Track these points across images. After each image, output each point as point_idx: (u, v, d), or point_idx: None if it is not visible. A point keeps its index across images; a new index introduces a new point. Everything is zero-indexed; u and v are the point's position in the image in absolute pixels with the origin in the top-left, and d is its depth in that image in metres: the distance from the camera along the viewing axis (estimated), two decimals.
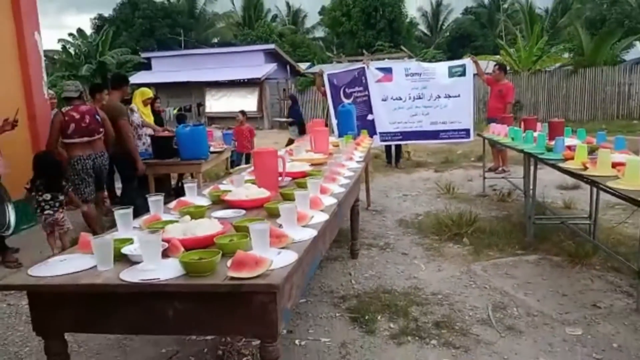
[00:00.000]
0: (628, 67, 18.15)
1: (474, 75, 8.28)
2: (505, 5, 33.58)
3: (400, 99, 8.28)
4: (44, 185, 4.30)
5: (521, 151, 4.75)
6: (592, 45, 18.92)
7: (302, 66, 24.61)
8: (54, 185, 4.34)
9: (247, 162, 8.01)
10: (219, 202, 2.75)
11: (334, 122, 7.45)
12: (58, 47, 28.09)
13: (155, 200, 2.50)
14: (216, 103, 21.53)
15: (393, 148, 8.99)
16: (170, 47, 29.38)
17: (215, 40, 36.55)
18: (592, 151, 3.72)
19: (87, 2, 56.67)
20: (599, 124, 14.71)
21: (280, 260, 1.81)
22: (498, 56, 20.06)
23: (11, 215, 4.40)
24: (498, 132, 5.94)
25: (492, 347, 2.77)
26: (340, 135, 5.61)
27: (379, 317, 3.12)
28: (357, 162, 4.14)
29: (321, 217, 2.40)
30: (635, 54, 22.10)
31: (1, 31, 5.50)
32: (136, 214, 2.37)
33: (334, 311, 3.27)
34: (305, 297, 3.44)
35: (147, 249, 1.78)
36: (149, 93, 6.19)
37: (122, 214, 2.21)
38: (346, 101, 7.97)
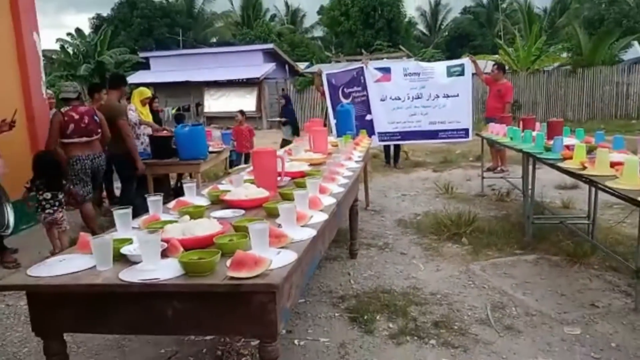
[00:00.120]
0: (626, 67, 18.17)
1: (473, 74, 8.28)
2: (504, 5, 33.59)
3: (399, 98, 8.28)
4: (44, 185, 4.33)
5: (520, 151, 4.76)
6: (591, 45, 18.93)
7: (301, 66, 24.61)
8: (54, 185, 4.37)
9: (246, 162, 8.00)
10: (218, 202, 2.76)
11: (333, 122, 7.45)
12: (56, 46, 28.07)
13: (154, 200, 2.50)
14: (215, 103, 21.51)
15: (392, 148, 8.99)
16: (169, 46, 29.38)
17: (214, 39, 36.53)
18: (590, 151, 3.73)
19: (86, 1, 56.63)
20: (598, 124, 14.73)
21: (280, 260, 1.82)
22: (497, 56, 20.07)
23: (10, 215, 4.41)
24: (497, 131, 5.95)
25: (491, 346, 2.78)
26: (338, 135, 5.61)
27: (377, 317, 3.12)
28: (356, 162, 4.15)
29: (320, 217, 2.40)
30: (634, 53, 22.06)
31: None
32: (135, 214, 2.37)
33: (333, 311, 3.27)
34: (304, 297, 3.44)
35: (146, 249, 1.79)
36: (147, 93, 6.19)
37: (121, 214, 2.21)
38: (345, 101, 7.97)
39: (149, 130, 5.90)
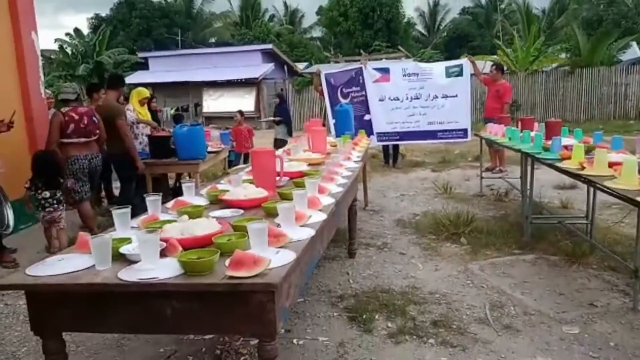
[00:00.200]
0: (625, 67, 18.21)
1: (471, 75, 8.29)
2: (503, 6, 33.64)
3: (398, 99, 8.29)
4: (43, 184, 4.39)
5: (518, 151, 4.77)
6: (589, 46, 18.97)
7: (300, 66, 24.61)
8: (53, 184, 4.42)
9: (245, 162, 8.00)
10: (217, 201, 2.76)
11: (331, 122, 7.46)
12: (55, 47, 28.03)
13: (153, 200, 2.50)
14: (213, 103, 21.50)
15: (391, 148, 9.00)
16: (168, 47, 29.36)
17: (213, 40, 36.52)
18: (588, 151, 3.74)
19: (84, 2, 56.54)
20: (596, 124, 14.74)
21: (279, 259, 1.82)
22: (495, 56, 20.10)
23: (9, 215, 4.43)
24: (495, 132, 5.96)
25: (490, 345, 2.78)
26: (337, 135, 5.62)
27: (376, 317, 3.13)
28: (355, 162, 4.15)
29: (319, 217, 2.40)
30: (632, 54, 22.12)
31: None
32: (134, 214, 2.38)
33: (332, 310, 3.27)
34: (303, 297, 3.44)
35: (145, 248, 1.79)
36: (145, 93, 6.19)
37: (120, 214, 2.22)
38: (343, 101, 7.97)
39: (147, 130, 5.90)
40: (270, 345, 1.76)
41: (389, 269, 3.98)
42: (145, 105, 6.28)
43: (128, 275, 1.74)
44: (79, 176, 4.86)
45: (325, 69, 9.21)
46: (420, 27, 39.97)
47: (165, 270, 1.75)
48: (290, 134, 9.01)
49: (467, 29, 37.30)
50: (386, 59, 18.81)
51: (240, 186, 2.89)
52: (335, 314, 3.22)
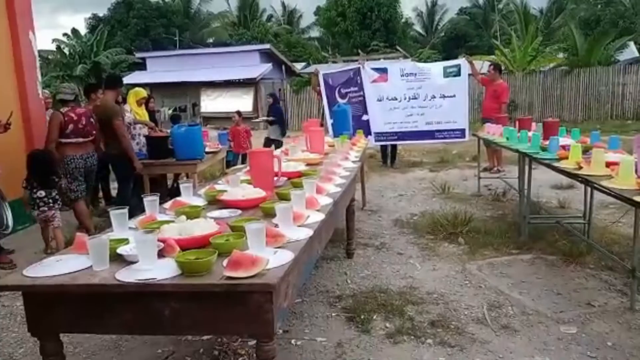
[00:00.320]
0: (622, 67, 18.25)
1: (469, 75, 8.30)
2: (500, 6, 33.70)
3: (396, 99, 8.31)
4: (38, 182, 4.45)
5: (516, 151, 4.77)
6: (587, 46, 19.01)
7: (298, 66, 24.61)
8: (47, 182, 4.47)
9: (243, 162, 8.00)
10: (215, 202, 2.76)
11: (329, 122, 7.46)
12: (52, 47, 28.00)
13: (150, 201, 2.50)
14: (211, 103, 21.49)
15: (389, 148, 9.00)
16: (165, 47, 29.33)
17: (211, 40, 36.48)
18: (586, 151, 3.75)
19: (82, 2, 56.40)
20: (594, 124, 14.78)
21: (276, 259, 1.82)
22: (493, 56, 20.14)
23: (8, 215, 4.44)
24: (493, 132, 5.96)
25: (487, 345, 2.78)
26: (335, 135, 5.62)
27: (374, 317, 3.13)
28: (353, 162, 4.16)
29: (317, 217, 2.40)
30: (629, 54, 22.18)
31: None
32: (132, 215, 2.37)
33: (330, 311, 3.27)
34: (301, 297, 3.44)
35: (143, 249, 1.79)
36: (143, 93, 6.18)
37: (117, 214, 2.21)
38: (341, 101, 7.98)
39: (144, 131, 5.89)
40: (268, 346, 1.76)
41: (387, 269, 3.98)
42: (143, 106, 6.27)
43: (126, 275, 1.74)
44: (75, 175, 4.93)
45: (323, 69, 9.21)
46: (418, 27, 40.03)
47: (163, 270, 1.75)
48: (283, 134, 8.95)
49: (464, 29, 37.35)
50: (384, 59, 18.82)
51: (238, 186, 2.89)
52: (333, 315, 3.22)
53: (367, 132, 7.80)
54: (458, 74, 8.12)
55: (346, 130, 5.69)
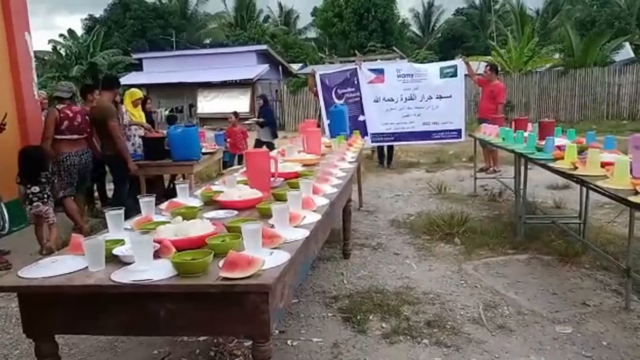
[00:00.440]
0: (617, 68, 18.33)
1: (466, 76, 8.32)
2: (497, 7, 33.77)
3: (392, 100, 8.33)
4: (27, 178, 4.48)
5: (512, 151, 4.79)
6: (582, 46, 19.08)
7: (295, 67, 24.63)
8: (36, 178, 4.49)
9: (240, 163, 7.99)
10: (211, 202, 2.75)
11: (326, 122, 7.47)
12: (48, 47, 27.93)
13: (146, 201, 2.50)
14: (208, 104, 21.48)
15: (385, 149, 9.01)
16: (162, 47, 29.29)
17: (207, 41, 36.46)
18: (581, 151, 3.76)
19: (78, 2, 56.30)
20: (589, 124, 14.83)
21: (273, 260, 1.82)
22: (489, 57, 20.19)
23: (5, 215, 4.44)
24: (489, 132, 5.98)
25: (483, 345, 2.79)
26: (332, 136, 5.62)
27: (370, 317, 3.13)
28: (349, 162, 4.16)
29: (313, 218, 2.41)
30: (625, 55, 22.26)
31: None
32: (128, 215, 2.37)
33: (326, 311, 3.28)
34: (297, 298, 3.44)
35: (138, 249, 1.78)
36: (138, 94, 6.18)
37: (113, 215, 2.21)
38: (338, 102, 7.99)
39: (140, 132, 5.88)
40: (264, 347, 1.76)
41: (384, 270, 3.99)
42: (139, 107, 6.26)
43: (121, 276, 1.74)
44: (70, 171, 5.05)
45: (320, 70, 9.21)
46: (414, 28, 40.10)
47: (159, 271, 1.75)
48: (275, 135, 8.91)
49: (461, 29, 37.44)
50: (381, 59, 18.82)
51: (234, 187, 2.89)
52: (329, 315, 3.22)
53: (364, 133, 7.81)
54: (454, 74, 8.15)
55: (343, 130, 5.70)
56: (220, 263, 1.75)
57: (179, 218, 2.27)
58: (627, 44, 22.54)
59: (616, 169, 3.02)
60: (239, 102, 20.27)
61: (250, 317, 1.71)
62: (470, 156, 8.11)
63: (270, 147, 7.47)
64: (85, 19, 35.43)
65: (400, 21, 33.82)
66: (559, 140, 4.42)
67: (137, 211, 2.51)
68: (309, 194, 2.70)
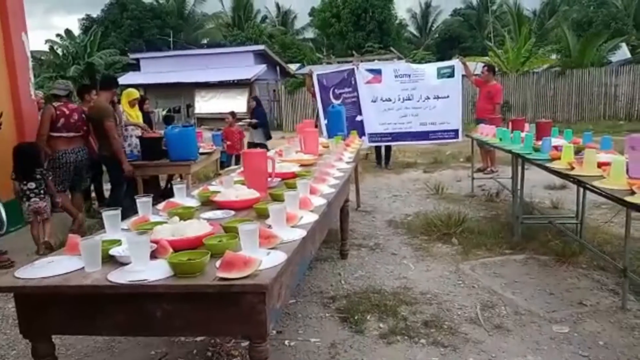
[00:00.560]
0: (614, 68, 18.39)
1: (463, 76, 8.34)
2: (494, 7, 33.85)
3: (390, 100, 8.33)
4: (22, 174, 4.51)
5: (509, 152, 4.80)
6: (579, 47, 19.14)
7: (292, 67, 24.62)
8: (30, 174, 4.51)
9: (237, 163, 7.98)
10: (208, 203, 2.75)
11: (323, 122, 7.48)
12: (45, 47, 27.86)
13: (143, 202, 2.49)
14: (205, 104, 21.47)
15: (383, 149, 9.02)
16: (159, 48, 29.26)
17: (205, 41, 36.43)
18: (578, 151, 3.77)
19: (75, 2, 56.21)
20: (586, 125, 14.87)
21: (270, 260, 1.82)
22: (486, 57, 20.24)
23: (3, 215, 4.44)
24: (486, 132, 5.99)
25: (481, 345, 2.79)
26: (329, 136, 5.62)
27: (368, 317, 3.13)
28: (347, 162, 4.16)
29: (310, 218, 2.40)
30: (622, 55, 22.36)
31: None
32: (125, 216, 2.37)
33: (324, 311, 3.27)
34: (295, 298, 3.44)
35: (135, 250, 1.78)
36: (135, 94, 6.16)
37: (110, 216, 2.21)
38: (335, 102, 7.99)
39: (137, 132, 5.87)
40: (261, 347, 1.76)
41: (381, 270, 3.99)
42: (136, 107, 6.25)
43: (118, 277, 1.73)
44: (66, 168, 5.08)
45: (317, 70, 9.21)
46: (412, 29, 40.16)
47: (156, 272, 1.74)
48: (268, 137, 8.88)
49: (458, 30, 37.49)
50: (378, 60, 18.82)
51: (231, 187, 2.89)
52: (327, 315, 3.22)
53: (361, 133, 7.81)
54: (452, 75, 8.16)
55: (340, 131, 5.70)
56: (217, 263, 1.74)
57: (176, 218, 2.27)
58: (623, 45, 22.63)
59: (613, 169, 3.03)
60: (237, 103, 20.25)
61: (247, 317, 1.71)
62: (468, 156, 8.13)
63: (263, 149, 7.45)
64: (83, 19, 35.38)
65: (397, 22, 33.86)
66: (556, 141, 4.43)
67: (134, 211, 2.51)
68: (306, 194, 2.70)
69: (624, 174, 2.97)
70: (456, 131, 8.27)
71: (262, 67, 21.56)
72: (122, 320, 1.79)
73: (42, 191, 4.57)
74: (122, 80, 20.06)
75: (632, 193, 2.73)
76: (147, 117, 7.20)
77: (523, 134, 4.91)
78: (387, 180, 7.89)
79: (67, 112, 5.07)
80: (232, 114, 8.80)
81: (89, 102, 5.79)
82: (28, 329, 1.85)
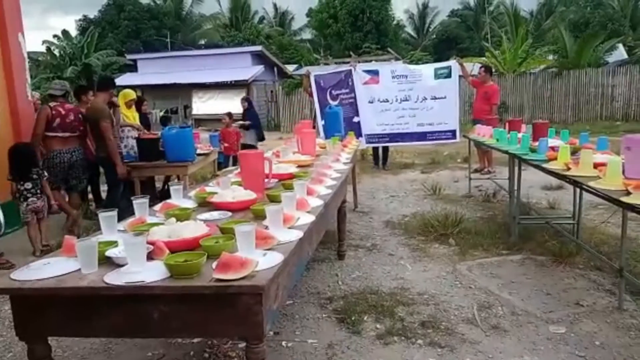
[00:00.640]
0: (611, 69, 18.44)
1: (460, 77, 8.35)
2: (491, 8, 33.90)
3: (387, 101, 8.34)
4: (18, 175, 4.51)
5: (506, 152, 4.81)
6: (576, 48, 19.19)
7: (290, 68, 24.60)
8: (27, 175, 4.52)
9: (235, 164, 7.97)
10: (205, 204, 2.75)
11: (320, 123, 7.48)
12: (42, 48, 27.79)
13: (140, 203, 2.49)
14: (203, 105, 21.45)
15: (380, 150, 9.03)
16: (157, 48, 29.23)
17: (202, 41, 36.39)
18: (574, 152, 3.78)
19: (72, 3, 56.14)
20: (583, 125, 14.91)
21: (266, 261, 1.82)
22: (483, 58, 20.28)
23: (0, 216, 4.43)
24: (483, 133, 6.00)
25: (477, 346, 2.80)
26: (326, 137, 5.62)
27: (365, 318, 3.13)
28: (344, 163, 4.16)
29: (307, 219, 2.41)
30: (618, 56, 22.42)
31: None
32: (121, 217, 2.36)
33: (321, 312, 3.27)
34: (292, 299, 3.44)
35: (131, 251, 1.78)
36: (132, 95, 6.15)
37: (106, 217, 2.20)
38: (333, 103, 8.00)
39: (134, 133, 5.86)
40: (258, 348, 1.76)
41: (378, 271, 3.99)
42: (133, 108, 6.24)
43: (114, 278, 1.73)
44: (61, 167, 5.06)
45: (315, 71, 9.21)
46: (409, 29, 40.18)
47: (152, 273, 1.74)
48: (260, 138, 8.86)
49: (455, 31, 37.54)
50: (376, 61, 18.83)
51: (228, 188, 2.89)
52: (324, 316, 3.22)
53: (359, 134, 7.82)
54: (449, 75, 8.17)
55: (338, 132, 5.70)
56: (214, 264, 1.75)
57: (173, 219, 2.27)
58: (620, 46, 22.70)
59: (608, 169, 3.04)
60: (234, 104, 20.13)
61: (244, 318, 1.71)
62: (465, 157, 8.14)
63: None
64: (80, 20, 35.33)
65: (395, 22, 33.85)
66: (552, 141, 4.44)
67: (131, 213, 2.50)
68: (303, 195, 2.70)
69: (620, 175, 2.98)
70: (453, 132, 8.28)
71: (260, 68, 21.55)
72: (118, 322, 1.79)
73: (38, 191, 4.58)
74: (120, 81, 20.01)
75: (628, 193, 2.74)
76: (145, 118, 7.19)
77: (520, 135, 4.92)
78: (385, 181, 7.90)
79: (63, 112, 5.06)
80: (229, 114, 8.78)
81: (85, 102, 5.78)
82: (24, 331, 1.85)
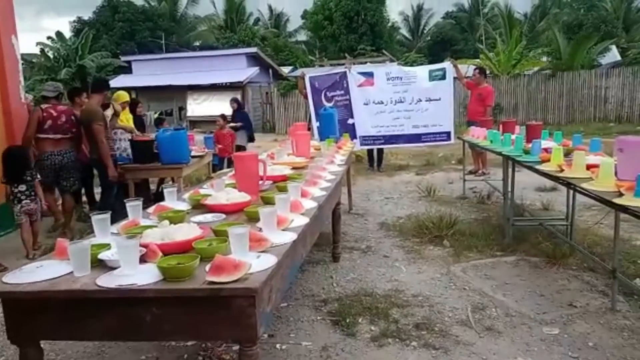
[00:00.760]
0: (604, 71, 18.56)
1: (454, 78, 8.38)
2: (485, 10, 34.06)
3: (382, 102, 8.36)
4: (12, 178, 4.52)
5: (499, 154, 4.82)
6: (570, 50, 19.29)
7: (285, 70, 24.62)
8: (20, 177, 4.52)
9: (229, 166, 7.96)
10: (199, 206, 2.75)
11: (315, 125, 7.48)
12: (36, 50, 27.65)
13: (133, 205, 2.48)
14: (198, 107, 21.40)
15: (375, 151, 9.04)
16: (151, 50, 29.16)
17: (197, 43, 36.34)
18: (567, 153, 3.80)
19: (66, 5, 55.91)
20: (577, 127, 14.98)
21: (260, 264, 1.82)
22: (478, 60, 20.34)
23: None
24: (478, 135, 6.02)
25: (471, 347, 2.80)
26: (321, 139, 5.62)
27: (359, 320, 3.13)
28: (339, 165, 4.16)
29: (301, 221, 2.41)
30: (612, 57, 22.56)
31: None
32: (115, 220, 2.35)
33: (315, 315, 3.27)
34: (286, 301, 3.44)
35: (124, 254, 1.77)
36: (125, 97, 6.13)
37: (99, 219, 2.20)
38: (327, 105, 8.01)
39: (127, 135, 5.84)
40: (252, 351, 1.75)
41: (373, 273, 3.99)
42: (127, 110, 6.22)
43: (107, 281, 1.73)
44: (51, 169, 5.04)
45: (310, 73, 9.21)
46: (404, 31, 40.28)
47: (145, 276, 1.74)
48: (250, 139, 8.83)
49: (450, 33, 37.66)
50: (370, 62, 18.88)
51: (222, 190, 2.88)
52: (318, 318, 3.22)
53: (353, 136, 7.83)
54: (443, 77, 8.20)
55: (332, 133, 5.71)
56: (207, 267, 1.74)
57: (166, 222, 2.26)
58: (613, 47, 22.85)
59: (601, 171, 3.05)
60: (229, 105, 20.18)
61: (237, 321, 1.71)
62: (460, 158, 8.16)
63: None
64: (74, 22, 35.12)
65: (389, 24, 33.93)
66: (546, 143, 4.46)
67: (125, 215, 2.49)
68: (297, 197, 2.70)
69: (612, 176, 3.00)
70: (448, 133, 8.31)
71: (255, 70, 21.54)
72: (111, 325, 1.78)
73: (32, 193, 4.57)
74: (114, 83, 19.93)
75: (621, 195, 2.75)
76: (140, 120, 7.17)
77: (513, 136, 4.94)
78: (379, 182, 7.90)
79: (55, 114, 5.03)
80: (223, 116, 8.77)
81: (79, 105, 5.76)
82: (16, 334, 1.84)
